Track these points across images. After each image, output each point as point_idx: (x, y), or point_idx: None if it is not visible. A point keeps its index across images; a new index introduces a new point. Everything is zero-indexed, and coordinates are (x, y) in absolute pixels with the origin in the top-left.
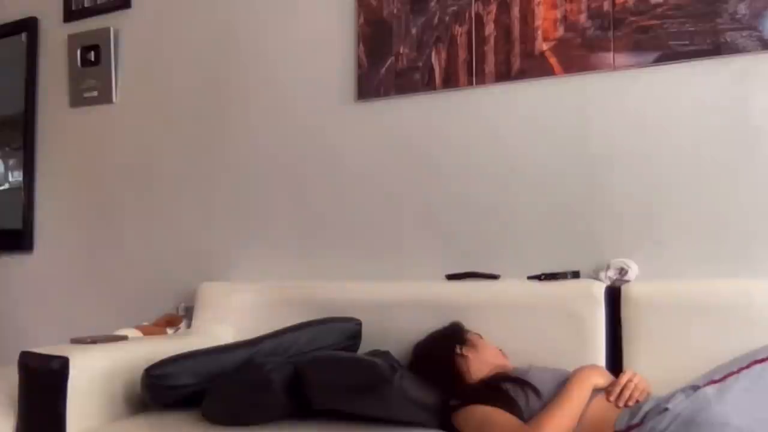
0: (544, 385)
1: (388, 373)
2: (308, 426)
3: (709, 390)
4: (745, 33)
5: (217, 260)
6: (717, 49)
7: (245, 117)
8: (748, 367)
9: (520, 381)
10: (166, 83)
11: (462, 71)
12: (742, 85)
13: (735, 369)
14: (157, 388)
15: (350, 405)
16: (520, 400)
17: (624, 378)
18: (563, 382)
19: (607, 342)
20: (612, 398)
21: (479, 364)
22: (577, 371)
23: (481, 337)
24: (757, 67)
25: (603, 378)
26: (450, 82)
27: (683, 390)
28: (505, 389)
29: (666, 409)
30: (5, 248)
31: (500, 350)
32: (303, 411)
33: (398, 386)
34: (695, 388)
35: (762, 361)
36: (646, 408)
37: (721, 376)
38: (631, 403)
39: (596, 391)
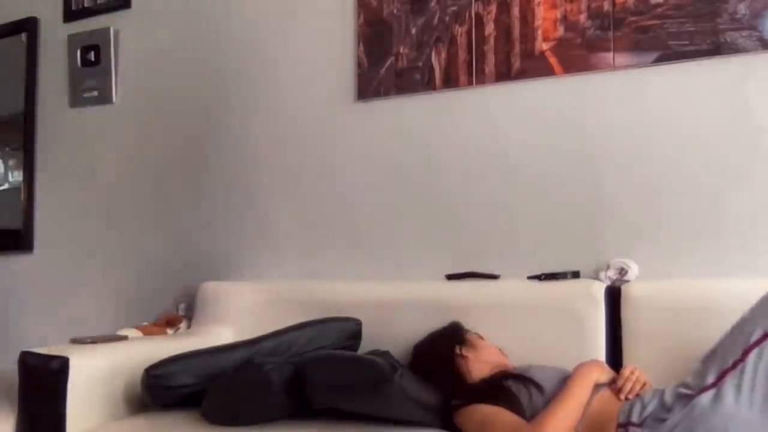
0: (546, 383)
1: (388, 372)
2: (308, 426)
3: (705, 399)
4: (745, 33)
5: (217, 260)
6: (717, 49)
7: (245, 117)
8: (742, 359)
9: (521, 378)
10: (166, 83)
11: (462, 71)
12: (742, 85)
13: (729, 364)
14: (157, 388)
15: (350, 404)
16: (523, 398)
17: (626, 371)
18: (564, 380)
19: (607, 342)
20: (615, 391)
21: (479, 364)
22: (579, 367)
23: (480, 337)
24: (757, 67)
25: (604, 373)
26: (450, 82)
27: (679, 398)
28: (507, 387)
29: (664, 420)
30: (5, 248)
31: (500, 349)
32: (303, 411)
33: (398, 385)
34: (690, 396)
35: (754, 346)
36: (648, 409)
37: (714, 379)
38: (631, 396)
39: (598, 386)
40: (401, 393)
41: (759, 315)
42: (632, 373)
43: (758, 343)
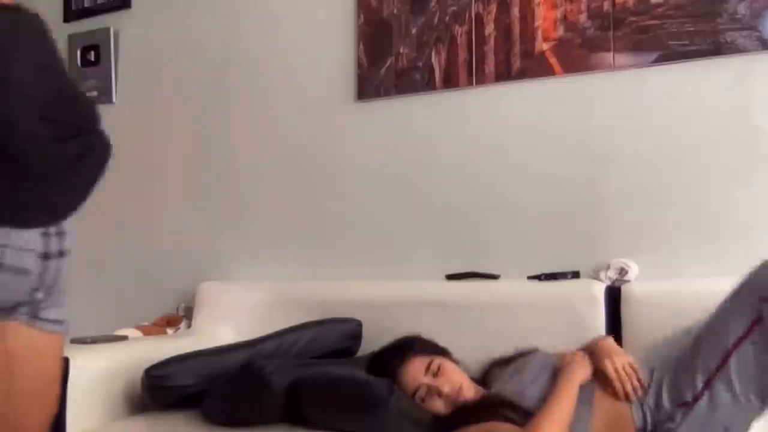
0: (533, 374)
1: (384, 393)
2: (308, 429)
3: (702, 405)
4: (745, 33)
5: (217, 260)
6: (717, 49)
7: (245, 117)
8: (724, 364)
9: (509, 404)
10: (166, 83)
11: (462, 71)
12: (742, 85)
13: (713, 368)
14: (157, 389)
15: (347, 424)
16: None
17: (610, 370)
18: (549, 371)
19: None
20: (620, 394)
21: (454, 387)
22: (564, 369)
23: (417, 360)
24: (757, 67)
25: (588, 369)
26: (450, 82)
27: (677, 406)
28: (498, 400)
29: (671, 429)
30: None
31: (441, 360)
32: (303, 413)
33: (394, 406)
34: (687, 404)
35: (733, 349)
36: (654, 416)
37: (703, 384)
38: (639, 394)
39: (592, 385)
40: (397, 414)
41: (733, 314)
42: (616, 371)
43: (736, 346)
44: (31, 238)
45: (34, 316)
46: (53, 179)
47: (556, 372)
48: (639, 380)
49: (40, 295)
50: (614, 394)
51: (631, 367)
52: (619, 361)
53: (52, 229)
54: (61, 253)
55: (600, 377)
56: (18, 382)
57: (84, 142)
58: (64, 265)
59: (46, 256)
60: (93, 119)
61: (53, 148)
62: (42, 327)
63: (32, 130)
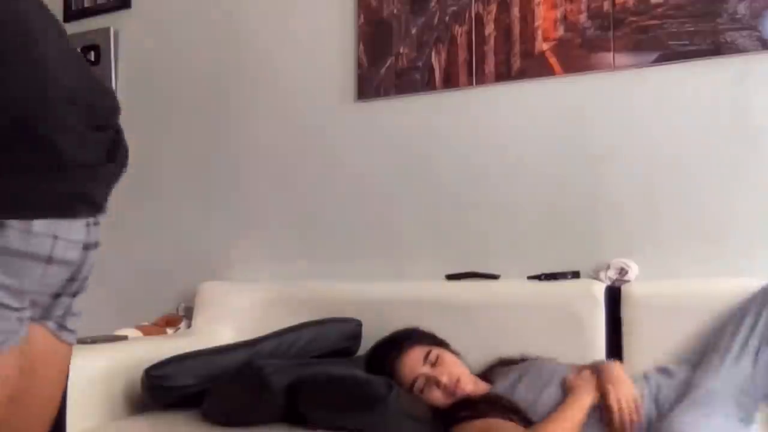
0: (542, 384)
1: (383, 391)
2: (308, 428)
3: None
4: (745, 33)
5: (217, 260)
6: (717, 49)
7: (245, 117)
8: None
9: (514, 408)
10: (166, 83)
11: (462, 71)
12: (742, 85)
13: None
14: (157, 389)
15: (347, 422)
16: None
17: (612, 398)
18: (559, 378)
19: (607, 342)
20: (617, 427)
21: (452, 378)
22: (574, 389)
23: (415, 351)
24: (757, 67)
25: (594, 393)
26: (450, 82)
27: None
28: (502, 400)
29: None
30: None
31: (440, 350)
32: (302, 413)
33: (394, 404)
34: None
35: None
36: None
37: None
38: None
39: (599, 411)
40: (397, 411)
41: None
42: (618, 402)
43: None
44: (77, 228)
45: (62, 326)
46: (92, 169)
47: (564, 386)
48: (639, 416)
49: (74, 287)
50: (611, 424)
51: (635, 402)
52: (623, 392)
53: (91, 219)
54: (96, 244)
55: (601, 401)
56: (26, 388)
57: (112, 134)
58: (96, 257)
59: (86, 247)
60: (117, 111)
61: (91, 137)
62: (62, 336)
63: (69, 117)
